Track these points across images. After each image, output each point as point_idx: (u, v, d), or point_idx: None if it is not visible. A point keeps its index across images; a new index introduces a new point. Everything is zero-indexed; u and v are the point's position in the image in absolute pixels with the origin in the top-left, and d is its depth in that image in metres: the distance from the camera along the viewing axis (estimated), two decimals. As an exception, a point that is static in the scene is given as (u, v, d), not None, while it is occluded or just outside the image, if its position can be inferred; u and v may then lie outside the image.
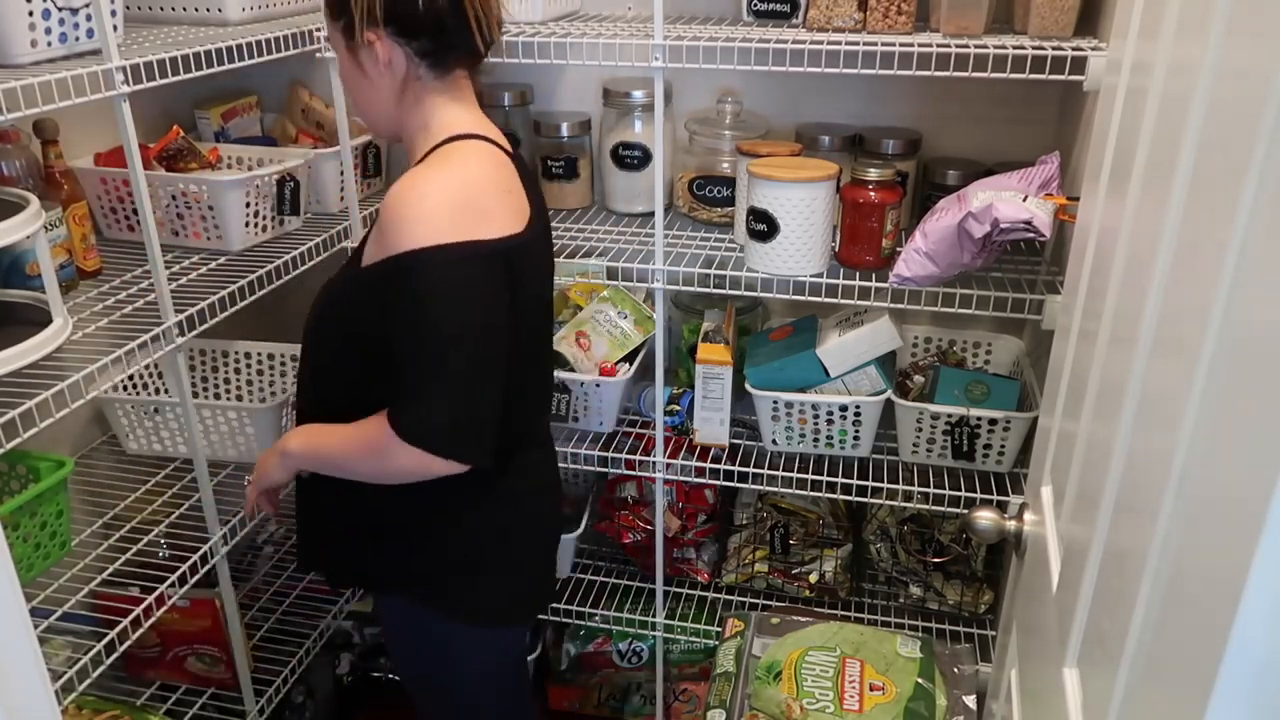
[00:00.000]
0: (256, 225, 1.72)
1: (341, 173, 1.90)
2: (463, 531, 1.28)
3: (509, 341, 1.15)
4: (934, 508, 1.75)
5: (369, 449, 1.15)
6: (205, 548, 1.59)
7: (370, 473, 1.19)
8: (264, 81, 2.07)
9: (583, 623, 2.07)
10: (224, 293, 1.53)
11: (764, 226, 1.59)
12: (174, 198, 1.66)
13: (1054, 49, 1.42)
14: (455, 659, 1.36)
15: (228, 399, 1.95)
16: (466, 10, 1.15)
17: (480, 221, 1.11)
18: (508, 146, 1.24)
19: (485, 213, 1.12)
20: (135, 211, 1.45)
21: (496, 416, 1.14)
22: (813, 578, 1.98)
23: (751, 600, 2.02)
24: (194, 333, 1.49)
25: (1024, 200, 1.43)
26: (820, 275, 1.62)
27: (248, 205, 1.68)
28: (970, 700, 1.47)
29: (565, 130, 1.91)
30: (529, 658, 2.14)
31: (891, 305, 1.62)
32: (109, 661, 1.41)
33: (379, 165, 2.04)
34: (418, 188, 1.09)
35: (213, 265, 1.65)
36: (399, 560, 1.30)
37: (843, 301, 1.63)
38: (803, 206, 1.57)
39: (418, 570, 1.30)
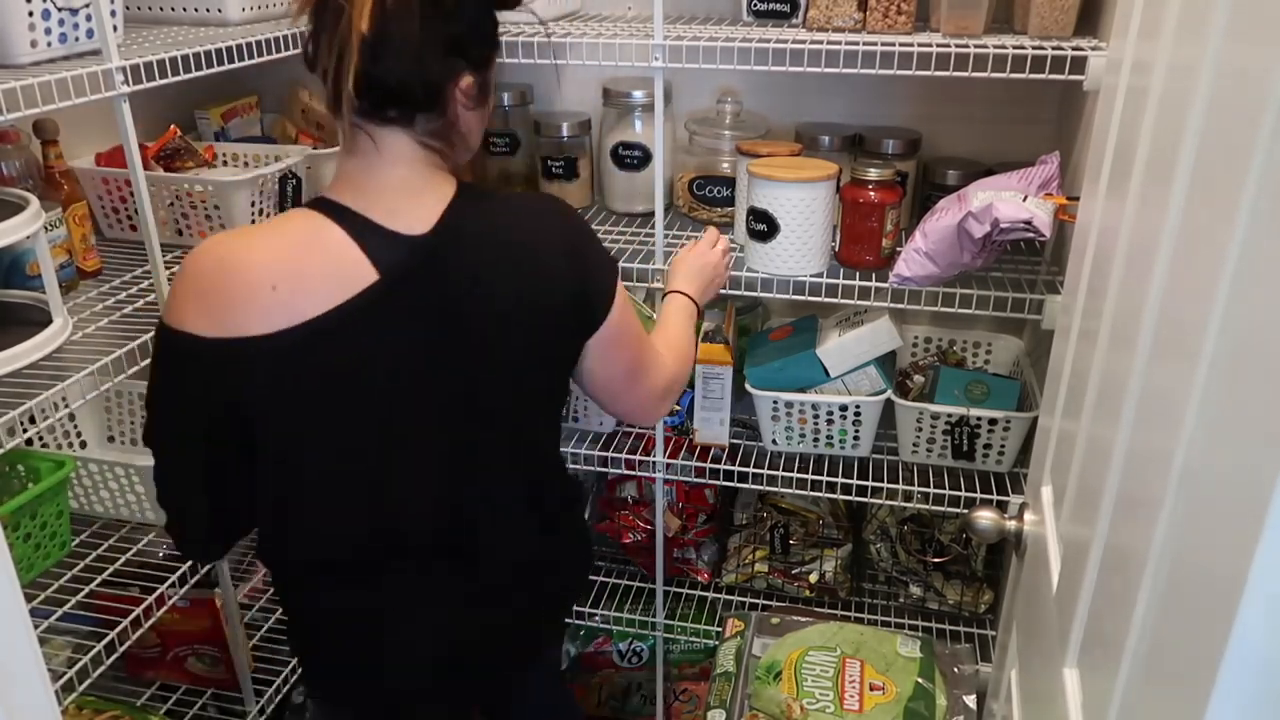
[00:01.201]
0: (261, 223, 1.72)
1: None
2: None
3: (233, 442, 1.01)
4: (934, 508, 1.75)
5: None
6: (205, 548, 1.59)
7: None
8: (264, 82, 2.07)
9: (583, 623, 2.07)
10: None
11: (764, 226, 1.59)
12: (177, 197, 1.66)
13: (1054, 49, 1.42)
14: None
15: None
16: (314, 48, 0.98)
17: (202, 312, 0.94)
18: (403, 227, 0.98)
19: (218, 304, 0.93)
20: (135, 212, 1.45)
21: (193, 509, 1.07)
22: (813, 578, 1.98)
23: (751, 600, 2.02)
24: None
25: (1024, 200, 1.43)
26: (820, 275, 1.62)
27: (252, 204, 1.68)
28: (970, 700, 1.47)
29: (565, 130, 1.91)
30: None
31: (891, 305, 1.62)
32: (109, 662, 1.41)
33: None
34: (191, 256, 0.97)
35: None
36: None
37: (843, 301, 1.63)
38: (803, 206, 1.57)
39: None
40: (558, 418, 1.24)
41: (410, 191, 1.00)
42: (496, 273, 1.02)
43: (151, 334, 1.33)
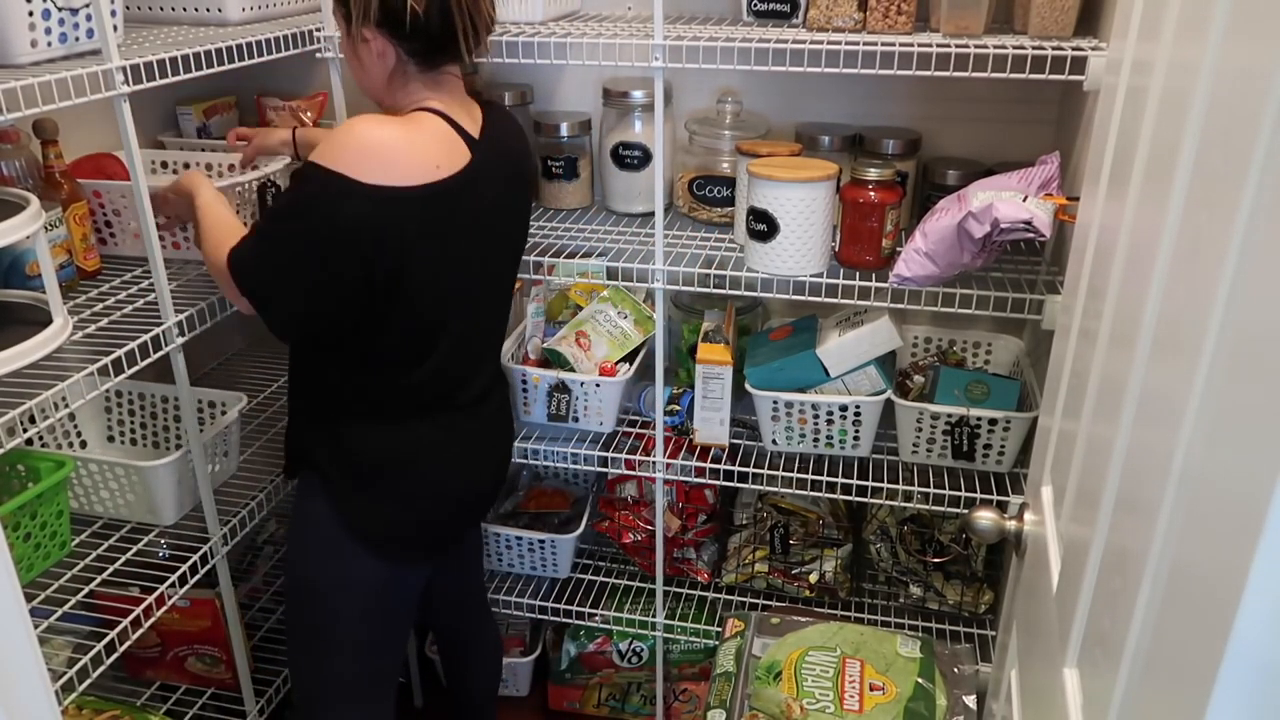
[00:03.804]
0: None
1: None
2: (364, 445, 1.42)
3: (356, 276, 1.27)
4: (934, 508, 1.75)
5: (219, 242, 1.33)
6: (205, 548, 1.59)
7: (209, 261, 1.37)
8: (248, 83, 2.07)
9: (583, 623, 2.07)
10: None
11: (764, 226, 1.59)
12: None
13: (1054, 49, 1.42)
14: (337, 564, 1.44)
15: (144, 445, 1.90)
16: (455, 22, 1.30)
17: (371, 165, 1.23)
18: (471, 129, 1.35)
19: (387, 163, 1.24)
20: (110, 225, 1.45)
21: (299, 310, 1.32)
22: (813, 578, 1.98)
23: (751, 600, 2.02)
24: (194, 333, 1.49)
25: (1024, 200, 1.43)
26: (820, 275, 1.62)
27: (236, 211, 1.66)
28: (970, 700, 1.47)
29: (565, 130, 1.91)
30: (529, 657, 2.15)
31: (891, 305, 1.62)
32: (109, 661, 1.41)
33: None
34: (348, 129, 1.25)
35: (207, 268, 1.65)
36: (319, 442, 1.44)
37: (843, 301, 1.63)
38: (803, 206, 1.57)
39: (326, 458, 1.43)
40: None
41: (466, 106, 1.39)
42: (518, 155, 1.48)
43: (152, 335, 1.33)
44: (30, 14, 1.26)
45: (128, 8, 1.66)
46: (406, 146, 1.26)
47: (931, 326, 1.97)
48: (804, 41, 1.50)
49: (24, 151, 1.49)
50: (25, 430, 1.21)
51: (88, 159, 1.68)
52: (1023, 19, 1.55)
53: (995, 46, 1.44)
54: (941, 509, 1.73)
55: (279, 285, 1.30)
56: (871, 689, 1.45)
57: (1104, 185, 0.97)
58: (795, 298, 1.66)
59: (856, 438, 1.76)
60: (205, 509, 1.60)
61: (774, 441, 1.80)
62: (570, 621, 2.07)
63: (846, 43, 1.47)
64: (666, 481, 1.88)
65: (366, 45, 1.31)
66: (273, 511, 1.84)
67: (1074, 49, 1.42)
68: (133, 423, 1.78)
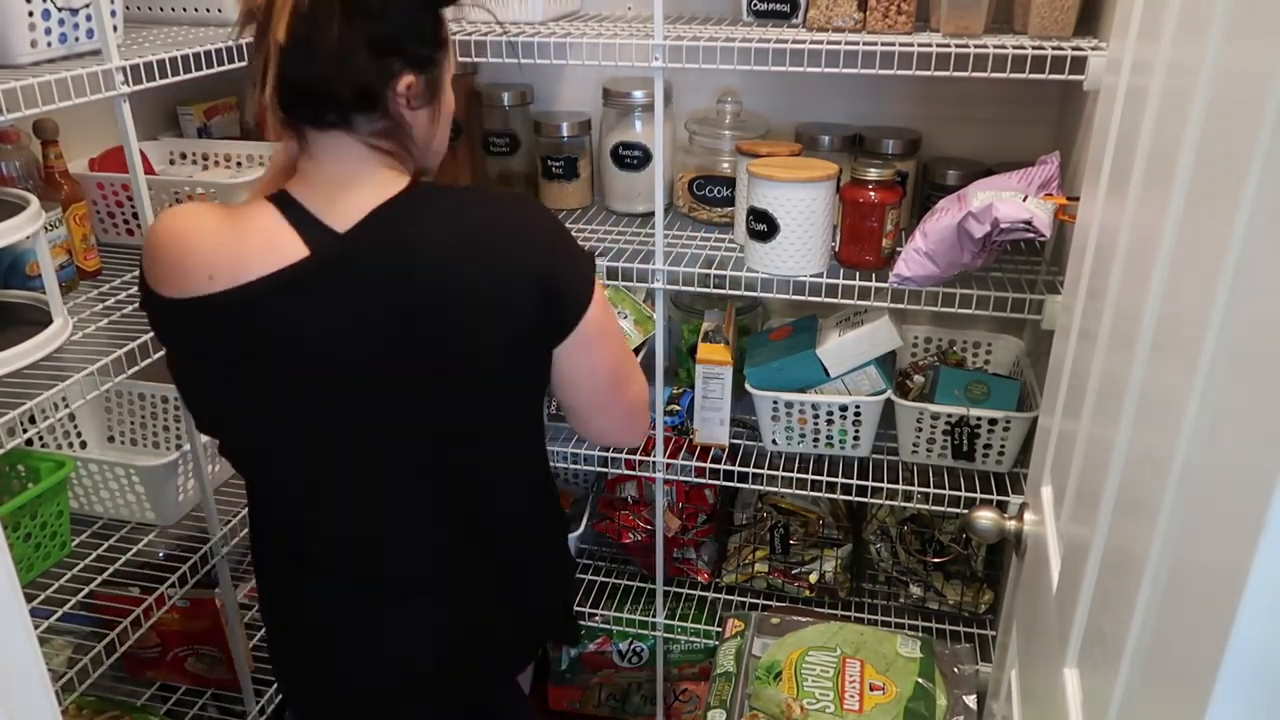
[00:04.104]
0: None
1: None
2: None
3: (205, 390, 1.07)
4: (934, 508, 1.75)
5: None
6: (205, 548, 1.59)
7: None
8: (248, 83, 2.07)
9: (583, 623, 2.07)
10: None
11: (764, 226, 1.59)
12: (177, 199, 1.66)
13: (1054, 49, 1.42)
14: None
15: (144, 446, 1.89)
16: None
17: (151, 270, 1.01)
18: (338, 221, 0.99)
19: (155, 266, 1.00)
20: (135, 215, 1.45)
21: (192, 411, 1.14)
22: (813, 578, 1.98)
23: (751, 600, 2.02)
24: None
25: (1024, 200, 1.43)
26: (820, 275, 1.62)
27: (250, 205, 1.68)
28: (970, 700, 1.47)
29: (565, 130, 1.91)
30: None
31: (891, 305, 1.62)
32: (109, 662, 1.41)
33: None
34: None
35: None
36: None
37: (843, 301, 1.63)
38: (803, 206, 1.57)
39: None
40: (521, 431, 1.15)
41: (346, 187, 1.00)
42: (436, 269, 1.00)
43: (152, 335, 1.34)
44: (30, 14, 1.26)
45: (128, 8, 1.66)
46: (178, 248, 0.98)
47: (931, 326, 1.97)
48: (804, 41, 1.50)
49: (24, 151, 1.49)
50: (25, 430, 1.21)
51: (111, 153, 1.68)
52: (1023, 19, 1.55)
53: (995, 46, 1.44)
54: (941, 509, 1.73)
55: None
56: (871, 689, 1.45)
57: (1104, 185, 0.97)
58: (795, 298, 1.66)
59: (856, 438, 1.76)
60: (205, 509, 1.60)
61: (774, 441, 1.80)
62: (579, 624, 2.07)
63: (846, 43, 1.47)
64: (666, 481, 1.88)
65: (433, 97, 1.05)
66: (273, 511, 1.84)
67: (1074, 49, 1.42)
68: (133, 423, 1.78)
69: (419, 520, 1.10)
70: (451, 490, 1.10)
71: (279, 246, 0.97)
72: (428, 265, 0.99)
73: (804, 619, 1.64)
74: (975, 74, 1.44)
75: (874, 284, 1.60)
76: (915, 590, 1.94)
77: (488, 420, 1.09)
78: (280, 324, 0.98)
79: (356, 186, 1.00)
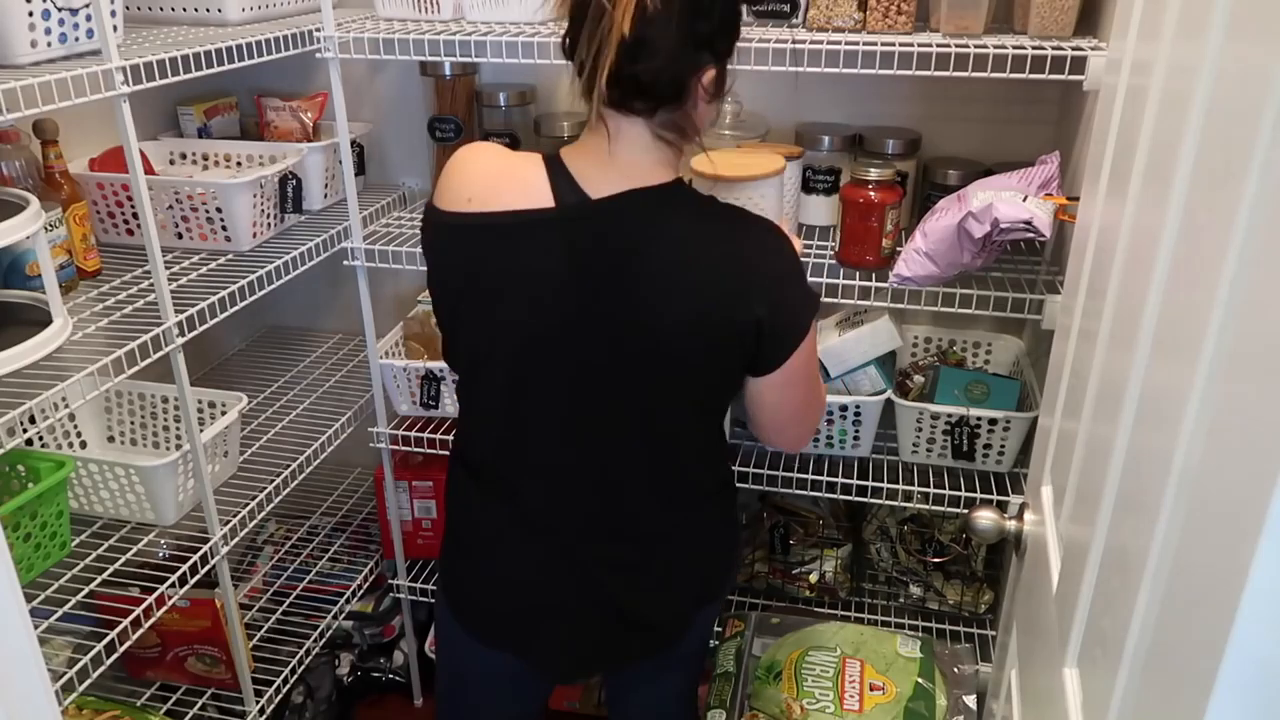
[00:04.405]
0: (262, 224, 1.73)
1: (328, 171, 1.90)
2: (448, 513, 1.31)
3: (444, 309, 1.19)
4: (934, 508, 1.75)
5: None
6: (205, 548, 1.59)
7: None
8: (248, 83, 2.07)
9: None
10: (224, 293, 1.53)
11: None
12: (178, 199, 1.66)
13: (1054, 49, 1.42)
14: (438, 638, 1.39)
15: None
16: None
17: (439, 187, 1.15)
18: (590, 188, 1.09)
19: (441, 185, 1.15)
20: (135, 215, 1.45)
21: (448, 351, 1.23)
22: (813, 578, 1.98)
23: (751, 600, 2.02)
24: (194, 333, 1.49)
25: (1024, 200, 1.43)
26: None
27: (254, 205, 1.68)
28: (970, 700, 1.47)
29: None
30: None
31: (891, 305, 1.62)
32: (109, 662, 1.41)
33: (363, 164, 2.05)
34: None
35: (213, 265, 1.66)
36: None
37: (843, 301, 1.63)
38: (762, 202, 1.57)
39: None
40: (705, 419, 1.22)
41: (618, 166, 1.08)
42: (664, 264, 1.07)
43: (152, 335, 1.33)
44: (30, 14, 1.26)
45: (128, 8, 1.66)
46: (456, 171, 1.14)
47: (931, 326, 1.97)
48: (804, 41, 1.50)
49: (24, 151, 1.49)
50: (25, 430, 1.21)
51: (111, 153, 1.68)
52: (1023, 19, 1.55)
53: (995, 46, 1.44)
54: (941, 509, 1.73)
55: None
56: (871, 689, 1.45)
57: (1104, 185, 0.97)
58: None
59: (856, 438, 1.76)
60: (205, 509, 1.60)
61: (774, 441, 1.80)
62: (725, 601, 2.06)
63: (846, 43, 1.47)
64: (666, 481, 1.88)
65: (721, 88, 1.10)
66: (273, 512, 1.84)
67: (1074, 49, 1.42)
68: (133, 423, 1.78)
69: (567, 477, 1.19)
70: (602, 467, 1.18)
71: (531, 193, 1.08)
72: (659, 256, 1.07)
73: (804, 619, 1.64)
74: (975, 74, 1.44)
75: (874, 284, 1.60)
76: (915, 590, 1.94)
77: (663, 420, 1.16)
78: (507, 257, 1.08)
79: (628, 168, 1.08)
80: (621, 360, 1.10)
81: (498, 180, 1.10)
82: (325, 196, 1.93)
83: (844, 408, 1.73)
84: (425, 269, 1.20)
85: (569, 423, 1.15)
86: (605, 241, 1.07)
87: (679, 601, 1.28)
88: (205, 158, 1.87)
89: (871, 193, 1.57)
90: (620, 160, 1.08)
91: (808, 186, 1.82)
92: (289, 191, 1.75)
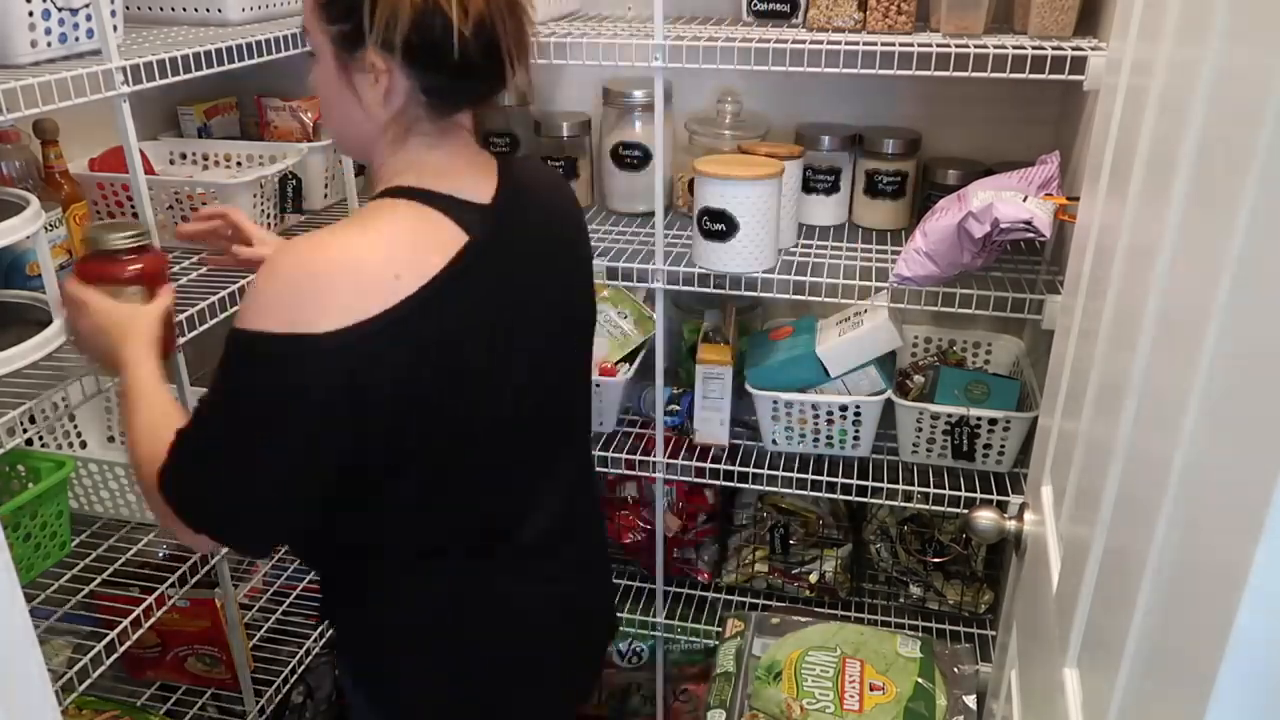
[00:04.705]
0: (262, 224, 1.73)
1: (328, 171, 1.90)
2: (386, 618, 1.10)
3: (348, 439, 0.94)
4: (934, 508, 1.75)
5: (148, 457, 1.00)
6: (205, 548, 1.59)
7: (139, 475, 1.03)
8: (248, 83, 2.07)
9: (583, 623, 2.07)
10: (224, 293, 1.53)
11: (722, 226, 1.60)
12: (178, 200, 1.66)
13: (1054, 49, 1.42)
14: None
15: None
16: (500, 50, 0.95)
17: (318, 307, 0.88)
18: (477, 194, 1.00)
19: (329, 296, 0.89)
20: (135, 215, 1.45)
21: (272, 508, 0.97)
22: (813, 578, 1.98)
23: (751, 600, 2.02)
24: (194, 333, 1.49)
25: (1024, 200, 1.43)
26: (772, 271, 1.65)
27: (254, 205, 1.68)
28: (970, 700, 1.47)
29: (565, 130, 1.91)
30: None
31: (891, 305, 1.62)
32: (109, 662, 1.41)
33: (363, 164, 2.05)
34: (276, 263, 0.91)
35: (213, 266, 1.65)
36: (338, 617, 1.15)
37: (843, 301, 1.63)
38: (760, 203, 1.59)
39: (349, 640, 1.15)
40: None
41: (477, 164, 1.03)
42: (561, 213, 1.10)
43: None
44: (30, 14, 1.26)
45: (128, 8, 1.65)
46: (356, 263, 0.90)
47: (931, 326, 1.97)
48: (804, 41, 1.50)
49: (24, 151, 1.49)
50: (25, 430, 1.21)
51: (111, 153, 1.68)
52: (1023, 19, 1.56)
53: (995, 46, 1.44)
54: (941, 509, 1.73)
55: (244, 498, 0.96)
56: (871, 689, 1.45)
57: (1104, 185, 0.97)
58: (796, 297, 1.66)
59: (856, 438, 1.76)
60: (205, 509, 1.60)
61: (774, 441, 1.80)
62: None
63: (846, 43, 1.47)
64: (666, 481, 1.88)
65: (367, 77, 0.95)
66: (273, 511, 1.84)
67: (1074, 49, 1.42)
68: (133, 423, 1.78)
69: (565, 485, 1.15)
70: (576, 447, 1.17)
71: (436, 237, 0.95)
72: (557, 214, 1.10)
73: (804, 619, 1.64)
74: (975, 74, 1.44)
75: (874, 284, 1.60)
76: (915, 590, 1.94)
77: (583, 394, 1.18)
78: (477, 299, 0.97)
79: (477, 163, 1.04)
80: (566, 340, 1.11)
81: (407, 238, 0.95)
82: (325, 197, 1.93)
83: (844, 408, 1.73)
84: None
85: (533, 434, 1.07)
86: (533, 237, 1.04)
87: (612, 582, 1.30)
88: (205, 158, 1.86)
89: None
90: (471, 158, 1.03)
91: (808, 186, 1.83)
92: (289, 191, 1.75)
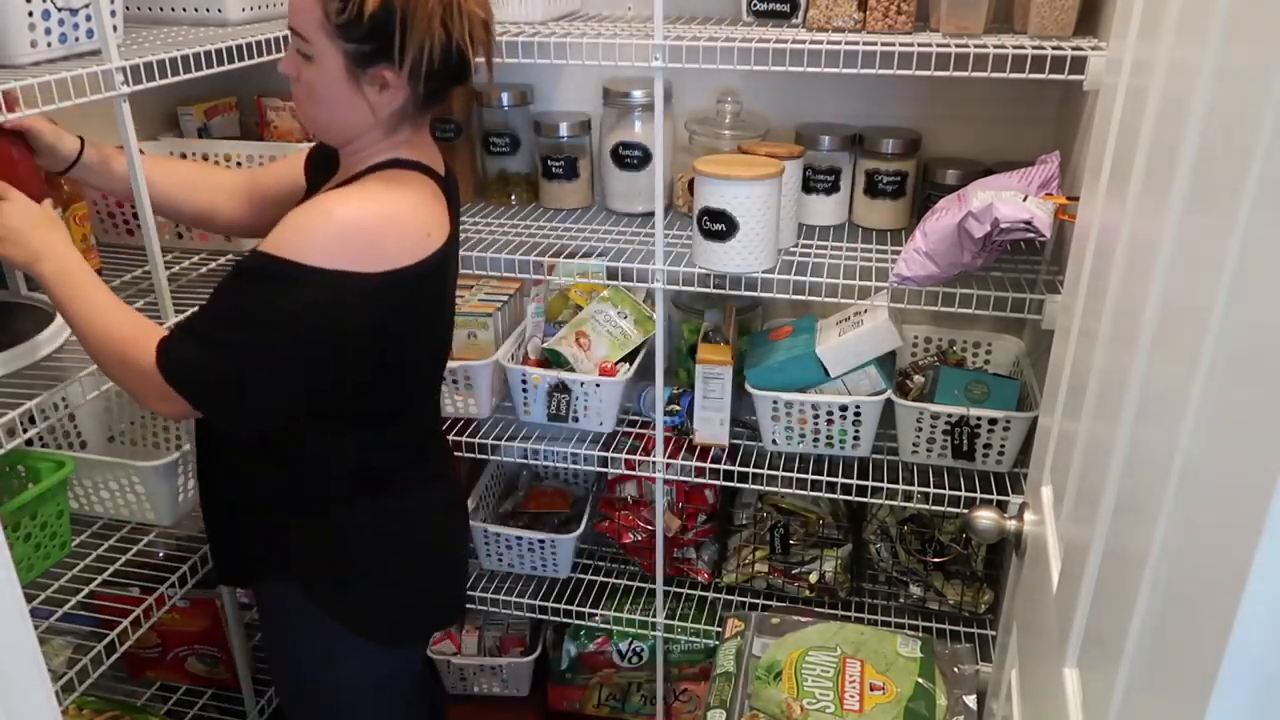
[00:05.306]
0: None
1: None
2: (348, 527, 1.27)
3: (355, 364, 1.16)
4: (934, 508, 1.75)
5: (127, 333, 1.13)
6: (205, 548, 1.59)
7: (110, 370, 1.16)
8: (248, 83, 2.07)
9: (583, 623, 2.07)
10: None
11: (722, 226, 1.60)
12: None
13: (1054, 49, 1.42)
14: (338, 666, 1.32)
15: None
16: (468, 56, 1.14)
17: (371, 254, 1.09)
18: (441, 169, 1.24)
19: (381, 245, 1.11)
20: (135, 215, 1.45)
21: (279, 406, 1.16)
22: (813, 578, 1.98)
23: (751, 600, 2.02)
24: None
25: (1024, 200, 1.43)
26: (772, 271, 1.64)
27: (252, 205, 1.68)
28: (970, 700, 1.47)
29: (565, 130, 1.91)
30: (529, 657, 2.14)
31: (891, 305, 1.62)
32: (109, 662, 1.41)
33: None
34: (333, 211, 1.09)
35: (213, 265, 1.65)
36: (282, 542, 1.28)
37: (843, 301, 1.63)
38: (760, 202, 1.58)
39: (301, 556, 1.28)
40: None
41: (433, 145, 1.27)
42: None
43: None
44: (30, 14, 1.26)
45: (128, 8, 1.65)
46: (401, 219, 1.13)
47: (931, 326, 1.97)
48: (804, 41, 1.50)
49: (24, 152, 1.49)
50: (25, 430, 1.21)
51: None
52: (1023, 19, 1.55)
53: (995, 46, 1.44)
54: (941, 509, 1.73)
55: (249, 394, 1.14)
56: (871, 689, 1.45)
57: (1104, 185, 0.97)
58: (796, 297, 1.66)
59: (856, 438, 1.76)
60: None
61: (774, 441, 1.80)
62: (570, 621, 2.07)
63: (846, 43, 1.47)
64: (666, 481, 1.88)
65: (374, 86, 1.13)
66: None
67: (1074, 49, 1.42)
68: (133, 423, 1.78)
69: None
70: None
71: (441, 203, 1.21)
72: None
73: (804, 619, 1.64)
74: (975, 74, 1.44)
75: (874, 284, 1.60)
76: (915, 590, 1.94)
77: None
78: (455, 262, 1.29)
79: (432, 144, 1.26)
80: None
81: (432, 202, 1.19)
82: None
83: (844, 408, 1.73)
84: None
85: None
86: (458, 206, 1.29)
87: None
88: (205, 158, 1.86)
89: None
90: (428, 140, 1.26)
91: (808, 186, 1.83)
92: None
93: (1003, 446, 1.70)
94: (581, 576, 2.12)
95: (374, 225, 1.09)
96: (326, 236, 1.07)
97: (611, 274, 1.79)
